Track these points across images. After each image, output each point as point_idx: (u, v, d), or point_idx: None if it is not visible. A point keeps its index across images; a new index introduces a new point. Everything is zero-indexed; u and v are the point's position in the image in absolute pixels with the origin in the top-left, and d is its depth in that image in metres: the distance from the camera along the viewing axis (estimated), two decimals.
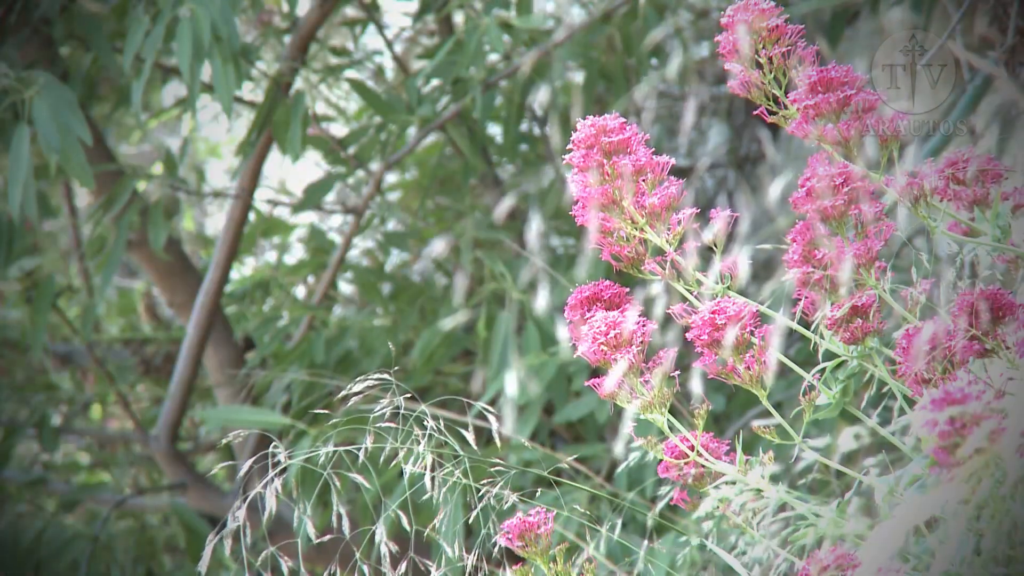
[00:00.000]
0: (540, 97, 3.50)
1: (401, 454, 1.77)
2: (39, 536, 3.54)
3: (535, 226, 1.78)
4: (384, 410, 1.78)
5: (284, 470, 1.78)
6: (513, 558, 1.73)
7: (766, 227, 3.90)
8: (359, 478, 1.80)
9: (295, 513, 1.81)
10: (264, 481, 1.75)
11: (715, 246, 1.68)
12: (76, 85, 3.20)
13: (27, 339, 3.49)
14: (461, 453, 1.78)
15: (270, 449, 1.79)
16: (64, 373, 4.05)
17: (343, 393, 1.84)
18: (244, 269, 4.38)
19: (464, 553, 1.78)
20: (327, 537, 1.80)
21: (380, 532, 1.76)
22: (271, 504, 1.74)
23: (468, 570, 1.77)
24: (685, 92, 4.22)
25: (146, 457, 3.95)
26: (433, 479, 1.77)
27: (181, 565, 3.88)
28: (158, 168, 3.77)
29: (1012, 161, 1.69)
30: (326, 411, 2.03)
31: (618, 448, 1.67)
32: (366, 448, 1.78)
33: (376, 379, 1.81)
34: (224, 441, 1.82)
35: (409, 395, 1.81)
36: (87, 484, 3.95)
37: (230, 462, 2.03)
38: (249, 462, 1.81)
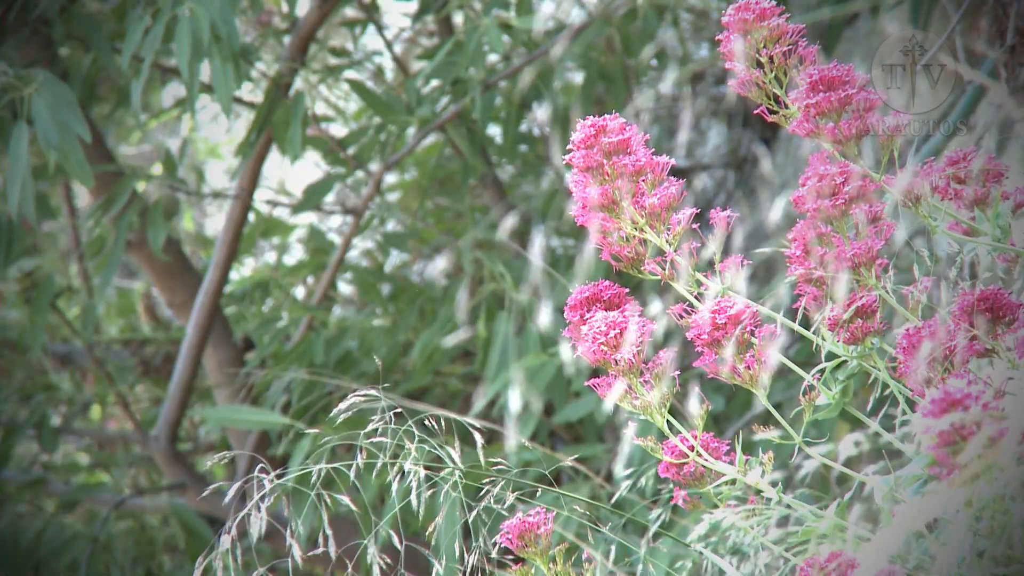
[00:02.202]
0: (542, 113, 3.50)
1: (394, 471, 1.77)
2: (39, 536, 3.53)
3: (539, 244, 1.78)
4: (376, 426, 1.78)
5: (277, 483, 1.77)
6: (513, 558, 1.73)
7: (764, 228, 3.90)
8: (346, 500, 1.80)
9: (300, 515, 1.81)
10: (253, 501, 1.75)
11: (714, 246, 1.68)
12: (75, 86, 3.20)
13: (26, 339, 3.49)
14: (454, 458, 1.78)
15: (256, 472, 1.79)
16: (64, 373, 4.05)
17: (334, 412, 1.83)
18: (244, 270, 4.38)
19: (464, 553, 1.78)
20: (319, 550, 1.80)
21: (372, 551, 1.76)
22: (261, 528, 1.74)
23: (468, 571, 1.77)
24: (683, 95, 4.22)
25: (146, 457, 3.95)
26: (429, 485, 1.77)
27: (180, 565, 3.88)
28: (157, 169, 3.77)
29: (1012, 161, 1.69)
30: (326, 412, 2.03)
31: (618, 469, 1.67)
32: (357, 466, 1.78)
33: (363, 395, 1.81)
34: (216, 461, 1.82)
35: (401, 410, 1.81)
36: (87, 484, 3.95)
37: (228, 483, 2.03)
38: (237, 485, 1.80)
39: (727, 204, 3.25)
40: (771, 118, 1.69)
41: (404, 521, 1.85)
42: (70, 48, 3.34)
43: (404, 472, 1.76)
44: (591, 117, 1.69)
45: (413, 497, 1.75)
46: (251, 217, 4.04)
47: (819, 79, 1.63)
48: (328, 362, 3.48)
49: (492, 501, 1.78)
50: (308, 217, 4.26)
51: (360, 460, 1.77)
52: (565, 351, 1.70)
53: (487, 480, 1.79)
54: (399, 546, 1.77)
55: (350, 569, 1.79)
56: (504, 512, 1.77)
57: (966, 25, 2.48)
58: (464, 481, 1.78)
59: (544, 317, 1.87)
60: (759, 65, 1.68)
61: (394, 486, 1.76)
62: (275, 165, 4.43)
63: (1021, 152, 2.29)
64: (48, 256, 3.84)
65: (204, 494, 1.90)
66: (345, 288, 4.22)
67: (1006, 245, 1.64)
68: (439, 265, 3.74)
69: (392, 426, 1.77)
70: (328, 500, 1.80)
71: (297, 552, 1.76)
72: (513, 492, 1.79)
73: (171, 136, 5.20)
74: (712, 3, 3.83)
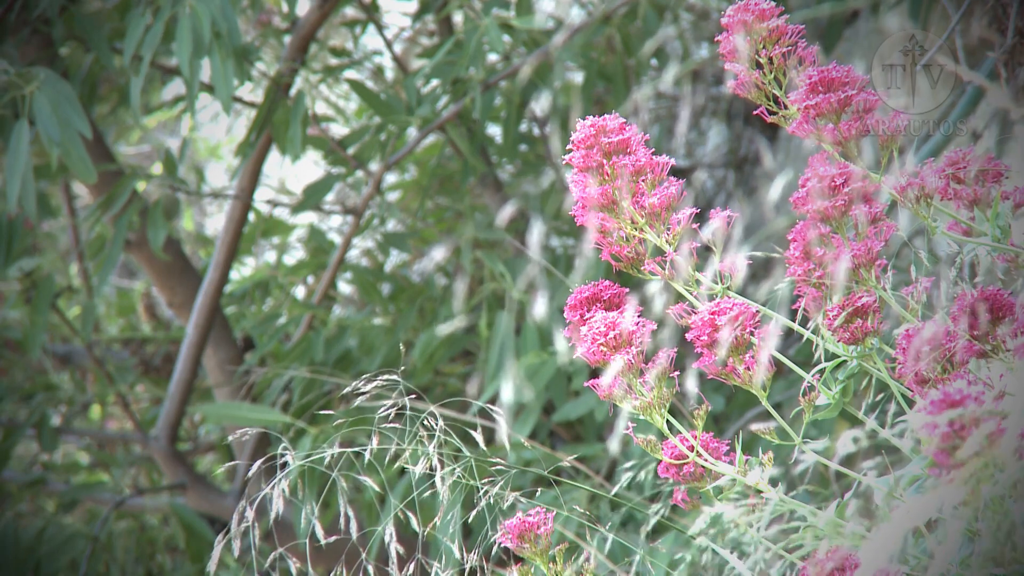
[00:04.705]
0: (541, 105, 3.50)
1: (407, 454, 1.77)
2: (39, 536, 3.54)
3: (536, 233, 1.79)
4: (389, 411, 1.79)
5: (292, 468, 1.78)
6: (513, 558, 1.73)
7: (765, 227, 3.90)
8: (367, 480, 1.81)
9: (302, 513, 1.81)
10: (272, 483, 1.75)
11: (714, 246, 1.68)
12: (76, 85, 3.20)
13: (27, 339, 3.49)
14: (464, 453, 1.79)
15: (278, 450, 1.79)
16: (64, 373, 4.05)
17: (348, 390, 1.84)
18: (244, 269, 4.38)
19: (464, 553, 1.79)
20: (333, 538, 1.80)
21: (390, 534, 1.76)
22: (279, 506, 1.74)
23: (468, 570, 1.77)
24: (683, 94, 4.22)
25: (146, 457, 3.95)
26: (439, 479, 1.77)
27: (181, 565, 3.88)
28: (158, 168, 3.77)
29: (1012, 161, 1.69)
30: (326, 410, 2.03)
31: (613, 446, 1.67)
32: (371, 448, 1.78)
33: (384, 380, 1.82)
34: (227, 440, 1.82)
35: (414, 395, 1.81)
36: (87, 484, 3.96)
37: (232, 462, 2.03)
38: (257, 463, 1.81)
39: (727, 204, 3.25)
40: (771, 119, 1.70)
41: (409, 514, 1.85)
42: (70, 48, 3.34)
43: (417, 458, 1.77)
44: (591, 117, 1.69)
45: (438, 480, 1.75)
46: (251, 217, 4.04)
47: (819, 80, 1.63)
48: (328, 361, 3.49)
49: (492, 499, 1.78)
50: (308, 217, 4.26)
51: (374, 443, 1.78)
52: (562, 344, 1.71)
53: (486, 480, 1.79)
54: (416, 530, 1.78)
55: (363, 555, 1.79)
56: (520, 501, 1.77)
57: (966, 25, 2.48)
58: (465, 480, 1.78)
59: (541, 308, 1.87)
60: (758, 66, 1.68)
61: (414, 470, 1.76)
62: (275, 165, 4.43)
63: (1021, 152, 2.29)
64: (48, 256, 3.84)
65: (221, 469, 1.90)
66: (345, 288, 4.22)
67: (1006, 245, 1.64)
68: (436, 258, 3.74)
69: (407, 412, 1.78)
70: (344, 484, 1.80)
71: (320, 531, 1.76)
72: (513, 491, 1.79)
73: (171, 136, 5.21)
74: (712, 3, 3.83)
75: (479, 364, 3.43)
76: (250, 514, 1.75)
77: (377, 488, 1.82)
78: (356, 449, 1.81)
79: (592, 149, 1.68)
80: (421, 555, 1.85)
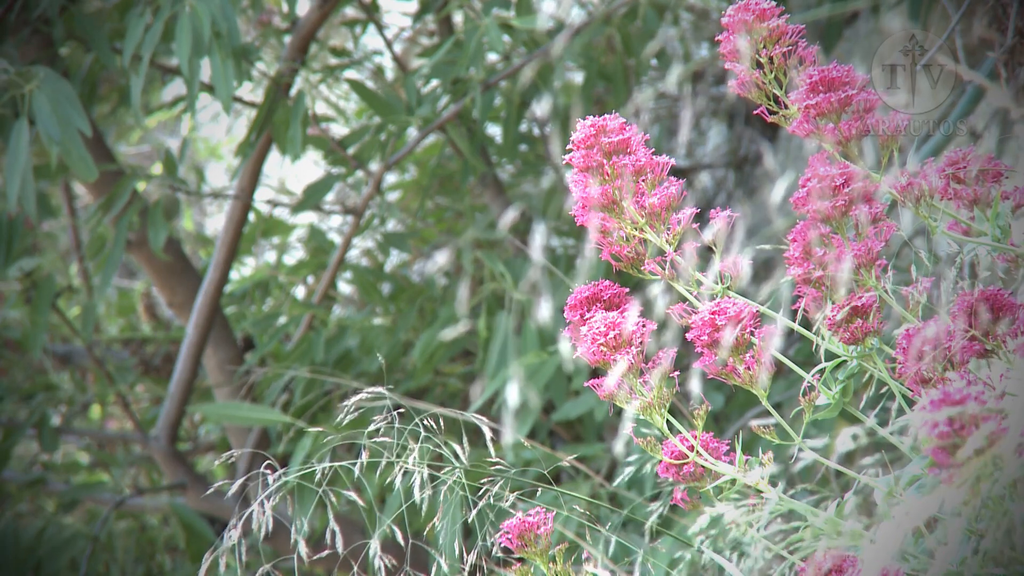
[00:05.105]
0: (541, 105, 3.50)
1: (398, 469, 1.77)
2: (39, 535, 3.54)
3: (539, 237, 1.79)
4: (379, 425, 1.79)
5: (281, 483, 1.77)
6: (502, 562, 1.73)
7: (765, 227, 3.91)
8: (353, 495, 1.80)
9: (293, 523, 1.81)
10: (259, 499, 1.75)
11: (715, 246, 1.68)
12: (76, 85, 3.20)
13: (27, 339, 3.49)
14: (462, 455, 1.79)
15: (271, 459, 1.79)
16: (64, 373, 4.05)
17: (341, 417, 1.84)
18: (244, 269, 4.38)
19: (464, 553, 1.79)
20: (324, 553, 1.80)
21: (375, 546, 1.76)
22: (266, 524, 1.74)
23: (468, 570, 1.77)
24: (683, 94, 4.22)
25: (146, 457, 3.95)
26: (432, 484, 1.77)
27: (181, 565, 3.89)
28: (158, 168, 3.77)
29: (1012, 161, 1.69)
30: (326, 411, 2.03)
31: (618, 448, 1.67)
32: (362, 463, 1.78)
33: (371, 392, 1.81)
34: (221, 461, 1.82)
35: (403, 408, 1.81)
36: (87, 484, 3.96)
37: (229, 481, 2.03)
38: (241, 480, 1.80)
39: (727, 204, 3.25)
40: (771, 119, 1.70)
41: (406, 519, 1.85)
42: (70, 48, 3.34)
43: (407, 470, 1.77)
44: (591, 117, 1.69)
45: (416, 495, 1.75)
46: (251, 217, 4.05)
47: (819, 80, 1.63)
48: (328, 361, 3.49)
49: (492, 500, 1.78)
50: (308, 217, 4.26)
51: (364, 458, 1.78)
52: (564, 347, 1.71)
53: (486, 480, 1.79)
54: (403, 542, 1.77)
55: (355, 568, 1.79)
56: (511, 510, 1.77)
57: (966, 25, 2.48)
58: (464, 481, 1.78)
59: (544, 312, 1.87)
60: (759, 66, 1.68)
61: (397, 480, 1.76)
62: (275, 165, 4.43)
63: (1021, 152, 2.29)
64: (48, 256, 3.84)
65: (208, 492, 1.90)
66: (345, 288, 4.22)
67: (1006, 245, 1.64)
68: (439, 262, 3.74)
69: (396, 425, 1.78)
70: (333, 498, 1.80)
71: (303, 548, 1.76)
72: (513, 492, 1.79)
73: (171, 136, 5.21)
74: (712, 3, 3.83)
75: (479, 364, 3.44)
76: (236, 533, 1.74)
77: (368, 502, 1.82)
78: (345, 464, 1.81)
79: (592, 149, 1.68)
80: (421, 556, 1.85)
